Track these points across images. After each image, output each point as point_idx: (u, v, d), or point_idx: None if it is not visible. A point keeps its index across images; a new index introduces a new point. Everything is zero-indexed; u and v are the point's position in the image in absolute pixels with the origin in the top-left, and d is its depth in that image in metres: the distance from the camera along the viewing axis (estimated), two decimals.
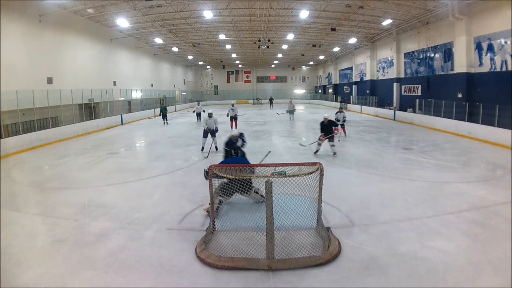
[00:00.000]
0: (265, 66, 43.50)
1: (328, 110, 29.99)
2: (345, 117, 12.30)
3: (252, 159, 6.73)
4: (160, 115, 18.51)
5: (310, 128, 15.94)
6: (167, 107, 19.38)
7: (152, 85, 27.67)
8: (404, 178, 6.89)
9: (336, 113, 12.27)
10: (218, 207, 4.75)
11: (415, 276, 3.34)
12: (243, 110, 23.91)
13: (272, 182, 3.51)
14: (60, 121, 13.88)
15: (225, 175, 3.97)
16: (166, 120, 18.15)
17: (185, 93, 39.06)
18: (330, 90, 37.68)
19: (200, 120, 18.45)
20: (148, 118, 21.66)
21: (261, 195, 4.38)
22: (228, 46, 28.85)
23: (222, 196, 4.63)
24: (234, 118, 14.71)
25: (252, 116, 22.74)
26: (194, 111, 19.37)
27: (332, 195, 5.40)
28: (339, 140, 11.14)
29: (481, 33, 13.58)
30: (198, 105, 19.45)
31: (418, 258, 3.67)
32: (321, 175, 3.89)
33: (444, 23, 15.88)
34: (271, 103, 34.10)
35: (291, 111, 19.19)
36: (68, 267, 3.57)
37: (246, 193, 4.54)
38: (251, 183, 4.54)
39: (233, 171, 4.14)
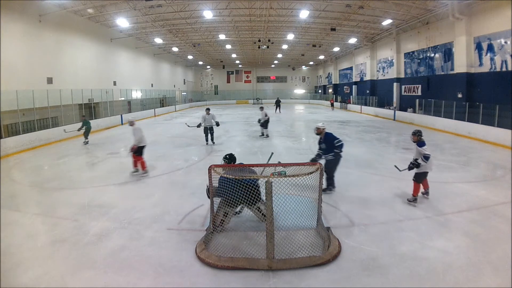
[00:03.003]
0: (265, 66, 43.49)
1: (328, 110, 30.03)
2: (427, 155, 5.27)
3: (252, 159, 6.71)
4: (81, 129, 11.94)
5: (310, 128, 15.94)
6: (91, 121, 12.76)
7: (152, 85, 27.68)
8: (404, 178, 6.87)
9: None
10: (223, 220, 4.13)
11: (415, 276, 3.34)
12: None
13: (272, 182, 3.51)
14: (60, 121, 13.89)
15: (229, 176, 3.90)
16: (86, 138, 12.03)
17: (185, 93, 39.08)
18: (330, 90, 37.67)
19: (210, 139, 11.06)
20: (64, 131, 12.88)
21: (263, 214, 3.83)
22: (228, 46, 28.84)
23: (226, 207, 4.09)
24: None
25: (252, 116, 22.72)
26: (200, 125, 10.88)
27: (332, 195, 5.39)
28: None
29: (481, 33, 13.57)
30: (208, 114, 10.83)
31: (418, 258, 3.67)
32: (321, 175, 3.89)
33: (444, 23, 15.87)
34: (278, 105, 26.76)
35: (263, 123, 12.59)
36: (68, 267, 3.57)
37: (253, 204, 4.02)
38: (259, 194, 4.03)
39: (234, 171, 4.12)
